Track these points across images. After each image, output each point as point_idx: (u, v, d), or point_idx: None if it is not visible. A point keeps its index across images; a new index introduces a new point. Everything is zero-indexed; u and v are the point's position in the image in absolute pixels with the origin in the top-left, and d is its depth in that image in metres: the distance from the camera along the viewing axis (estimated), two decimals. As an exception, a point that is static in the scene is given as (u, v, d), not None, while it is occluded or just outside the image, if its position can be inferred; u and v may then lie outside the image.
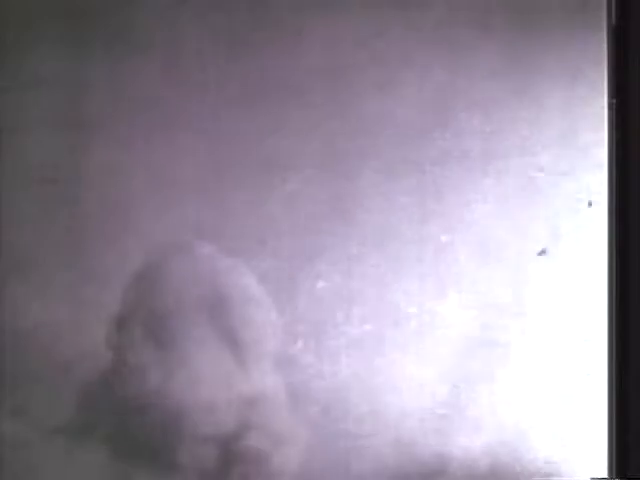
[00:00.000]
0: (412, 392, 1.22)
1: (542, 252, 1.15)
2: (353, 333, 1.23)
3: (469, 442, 1.21)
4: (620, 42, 1.21)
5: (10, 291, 1.26)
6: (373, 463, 1.22)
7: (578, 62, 1.21)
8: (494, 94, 1.22)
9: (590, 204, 1.15)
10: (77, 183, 1.26)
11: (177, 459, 1.22)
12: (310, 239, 1.23)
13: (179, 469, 1.23)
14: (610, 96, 1.21)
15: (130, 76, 1.26)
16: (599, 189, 1.21)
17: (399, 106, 1.23)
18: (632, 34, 1.22)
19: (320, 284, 1.23)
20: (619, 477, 1.20)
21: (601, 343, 1.20)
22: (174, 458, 1.22)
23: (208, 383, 1.23)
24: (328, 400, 1.23)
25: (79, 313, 1.26)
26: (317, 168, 1.24)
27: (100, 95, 1.26)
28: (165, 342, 1.24)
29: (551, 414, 1.21)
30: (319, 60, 1.24)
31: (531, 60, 1.21)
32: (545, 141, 1.22)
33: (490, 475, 1.21)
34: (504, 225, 1.22)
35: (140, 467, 1.23)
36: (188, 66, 1.25)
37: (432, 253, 1.22)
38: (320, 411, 1.23)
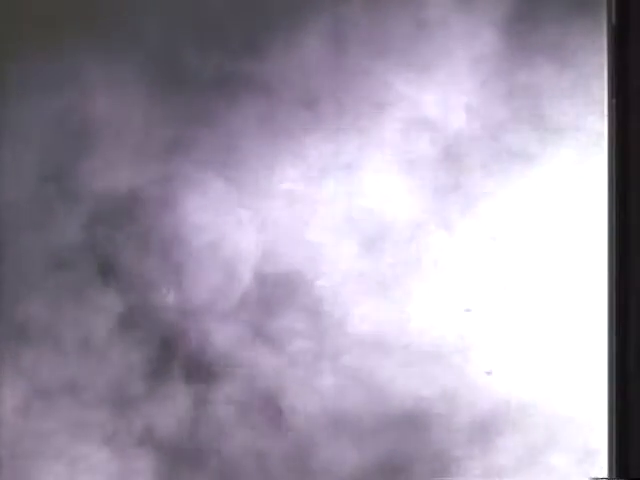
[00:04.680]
0: (413, 391, 1.22)
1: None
2: (353, 333, 1.23)
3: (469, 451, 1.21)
4: (620, 42, 1.21)
5: (11, 291, 1.27)
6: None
7: (578, 62, 1.21)
8: (494, 93, 1.22)
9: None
10: (78, 182, 1.27)
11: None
12: (309, 238, 1.24)
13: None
14: (610, 96, 1.21)
15: (129, 75, 1.26)
16: (599, 188, 1.21)
17: (400, 105, 1.24)
18: (632, 34, 1.22)
19: (320, 283, 1.24)
20: (619, 477, 1.20)
21: (601, 345, 1.20)
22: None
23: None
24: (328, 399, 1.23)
25: (82, 313, 1.26)
26: (317, 166, 1.24)
27: (100, 95, 1.27)
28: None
29: (551, 414, 1.21)
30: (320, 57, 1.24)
31: (531, 59, 1.22)
32: (546, 140, 1.21)
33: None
34: (505, 224, 1.22)
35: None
36: (187, 63, 1.26)
37: (432, 253, 1.23)
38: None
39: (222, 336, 1.25)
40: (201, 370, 1.25)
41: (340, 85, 1.24)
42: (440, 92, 1.23)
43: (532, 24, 1.22)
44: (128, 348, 1.26)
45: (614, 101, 1.21)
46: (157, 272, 1.25)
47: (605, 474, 1.19)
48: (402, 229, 1.23)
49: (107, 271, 1.26)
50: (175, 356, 1.25)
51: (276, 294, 1.24)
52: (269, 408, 1.23)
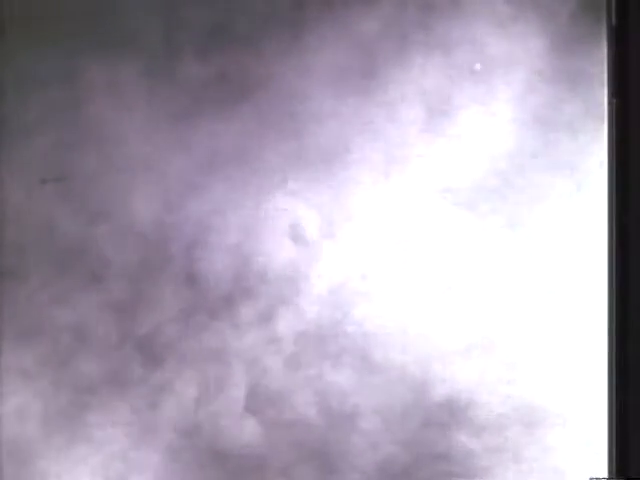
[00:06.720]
0: (413, 393, 1.22)
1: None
2: (352, 333, 1.23)
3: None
4: (620, 42, 1.22)
5: (11, 290, 1.27)
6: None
7: (578, 62, 1.21)
8: (493, 94, 1.22)
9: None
10: (78, 182, 1.27)
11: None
12: (309, 238, 1.24)
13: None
14: (610, 96, 1.21)
15: (128, 75, 1.27)
16: (599, 188, 1.21)
17: (401, 110, 1.24)
18: (632, 34, 1.22)
19: (320, 281, 1.24)
20: (619, 477, 1.20)
21: (601, 344, 1.20)
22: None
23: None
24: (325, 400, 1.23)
25: (81, 312, 1.26)
26: (317, 169, 1.24)
27: (100, 95, 1.27)
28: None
29: (551, 414, 1.21)
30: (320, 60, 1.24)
31: (531, 60, 1.22)
32: (546, 140, 1.22)
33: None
34: (505, 226, 1.22)
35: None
36: (187, 63, 1.26)
37: (433, 252, 1.23)
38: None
39: (223, 336, 1.25)
40: (202, 366, 1.25)
41: (368, 102, 1.24)
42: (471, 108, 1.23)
43: (532, 24, 1.22)
44: (128, 348, 1.26)
45: (614, 101, 1.21)
46: (158, 272, 1.25)
47: (605, 474, 1.19)
48: (412, 232, 1.23)
49: (107, 271, 1.26)
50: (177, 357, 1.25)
51: (278, 294, 1.24)
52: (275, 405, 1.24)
